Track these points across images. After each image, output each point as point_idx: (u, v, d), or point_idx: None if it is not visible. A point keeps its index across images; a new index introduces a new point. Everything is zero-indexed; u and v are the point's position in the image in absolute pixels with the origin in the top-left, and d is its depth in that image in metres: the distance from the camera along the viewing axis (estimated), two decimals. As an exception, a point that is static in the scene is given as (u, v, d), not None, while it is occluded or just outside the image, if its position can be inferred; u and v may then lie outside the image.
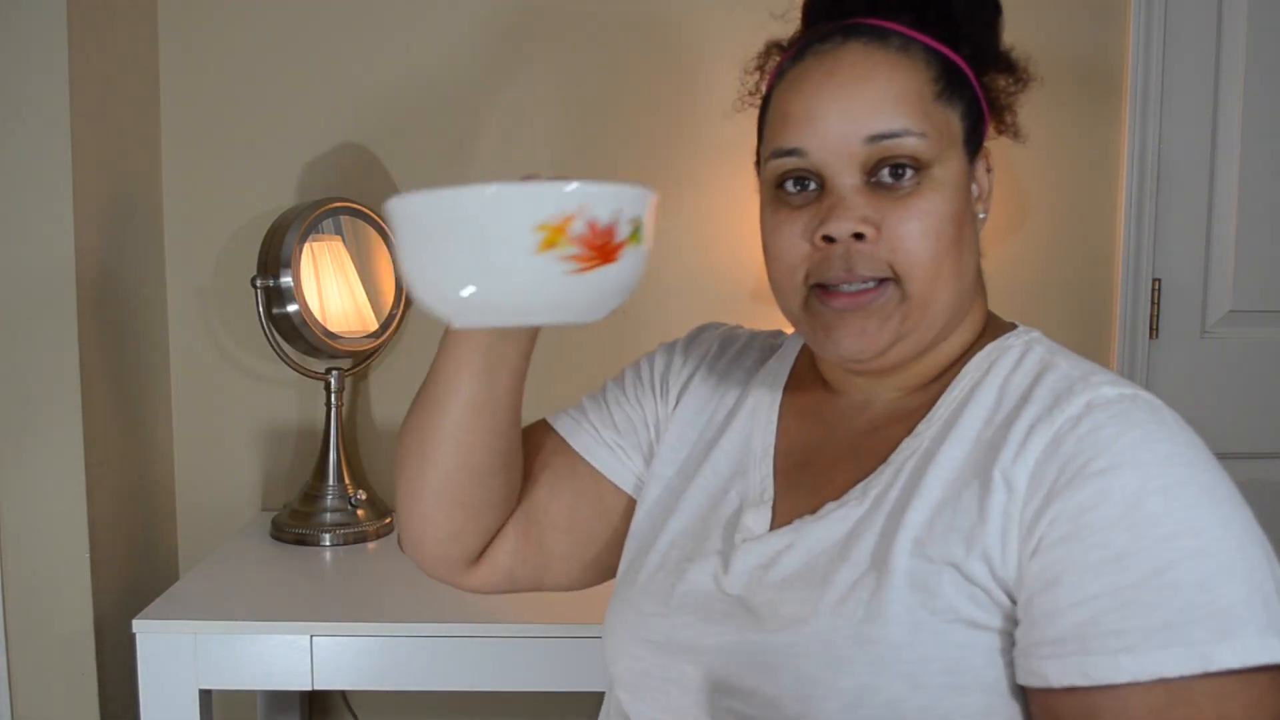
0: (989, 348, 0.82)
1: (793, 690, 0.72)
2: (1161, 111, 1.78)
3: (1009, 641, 0.71)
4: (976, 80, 0.81)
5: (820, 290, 0.78)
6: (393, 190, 1.79)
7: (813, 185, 0.77)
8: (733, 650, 0.77)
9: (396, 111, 1.78)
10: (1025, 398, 0.75)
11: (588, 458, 0.95)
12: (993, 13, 0.83)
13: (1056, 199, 1.80)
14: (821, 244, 0.77)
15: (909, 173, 0.75)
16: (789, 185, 0.78)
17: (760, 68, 0.87)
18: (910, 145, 0.75)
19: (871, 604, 0.72)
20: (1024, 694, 0.71)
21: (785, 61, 0.82)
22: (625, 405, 0.97)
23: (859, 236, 0.75)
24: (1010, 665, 0.71)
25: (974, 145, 0.81)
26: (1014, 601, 0.71)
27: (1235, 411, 1.84)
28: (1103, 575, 0.66)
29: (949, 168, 0.77)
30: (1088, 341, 1.82)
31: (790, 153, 0.77)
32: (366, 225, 1.71)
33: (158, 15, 1.76)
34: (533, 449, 0.96)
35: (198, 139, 1.78)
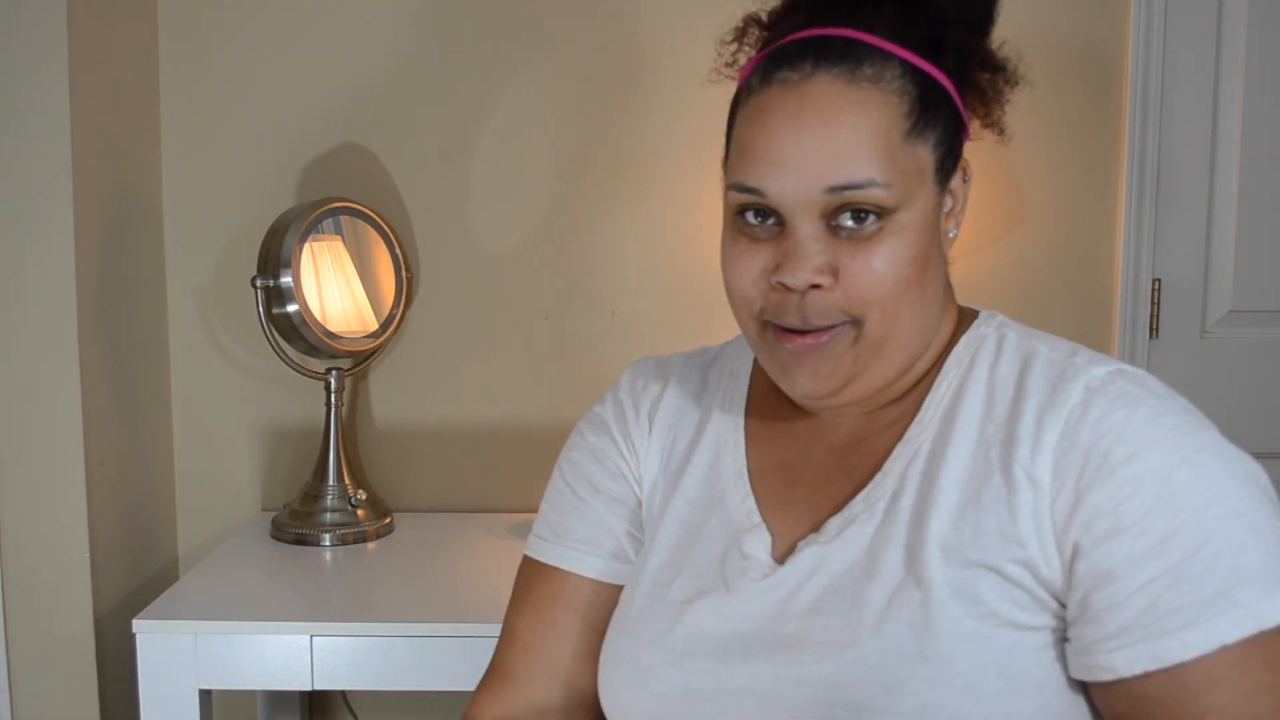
0: (964, 341, 0.81)
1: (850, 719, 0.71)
2: (1161, 111, 1.78)
3: (1055, 638, 0.71)
4: (958, 91, 0.78)
5: (775, 327, 0.77)
6: (393, 190, 1.79)
7: (772, 220, 0.75)
8: (772, 689, 0.74)
9: (397, 111, 1.78)
10: (1020, 390, 0.75)
11: (587, 574, 0.88)
12: (984, 20, 0.80)
13: (1056, 199, 1.80)
14: (778, 287, 0.75)
15: (870, 219, 0.73)
16: (749, 216, 0.76)
17: (739, 39, 0.83)
18: (873, 195, 0.72)
19: (917, 621, 0.71)
20: (1084, 688, 0.72)
21: (752, 74, 0.78)
22: (605, 488, 0.90)
23: (816, 286, 0.74)
24: (1057, 661, 0.71)
25: (949, 166, 0.78)
26: (1059, 601, 0.71)
27: (1235, 411, 1.84)
28: (1154, 560, 0.67)
29: (914, 208, 0.74)
30: (1088, 341, 1.78)
31: (750, 190, 0.75)
32: (366, 225, 1.71)
33: (158, 15, 1.76)
34: (542, 636, 0.88)
35: (198, 139, 1.78)
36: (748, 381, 0.90)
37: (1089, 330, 1.82)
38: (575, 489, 0.91)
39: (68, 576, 1.49)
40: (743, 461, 0.85)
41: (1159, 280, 1.82)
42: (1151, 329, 1.82)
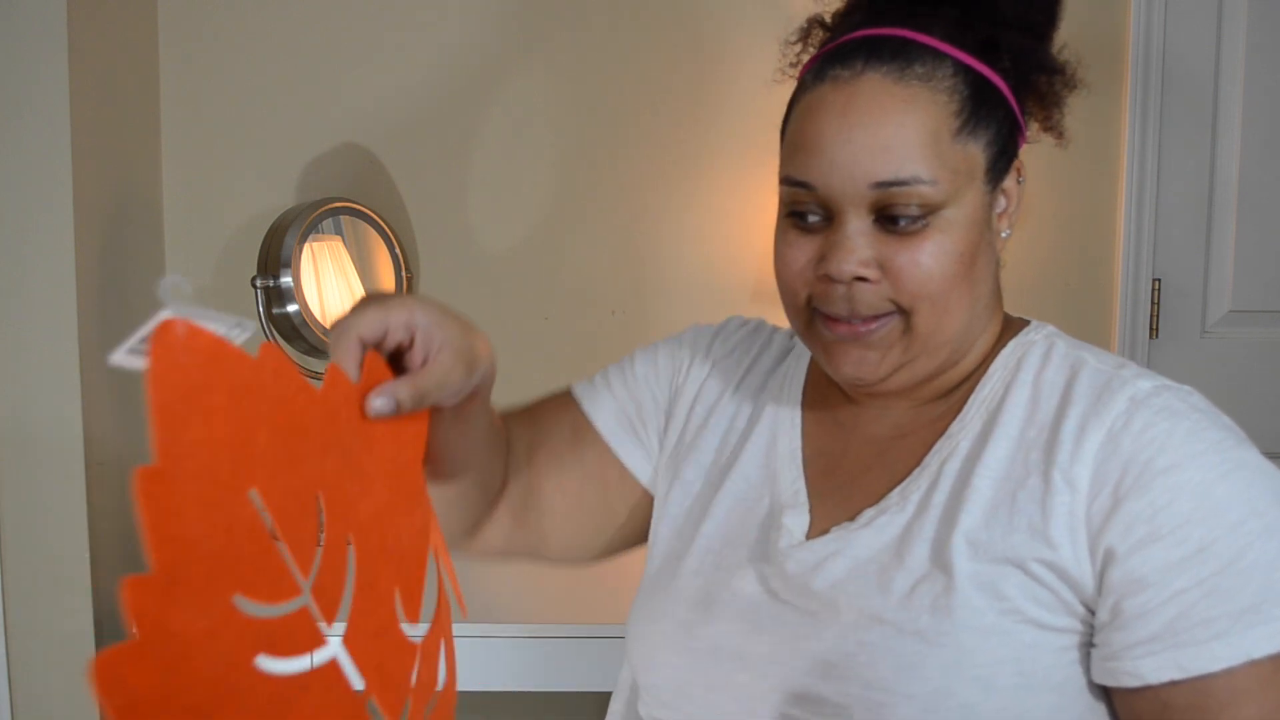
0: (1012, 345, 0.82)
1: (862, 697, 0.72)
2: (1162, 111, 1.78)
3: (1078, 641, 0.72)
4: (1013, 93, 0.78)
5: (823, 314, 0.78)
6: (393, 190, 1.79)
7: (820, 217, 0.77)
8: (791, 658, 0.76)
9: (396, 111, 1.78)
10: (1066, 397, 0.76)
11: (610, 441, 0.93)
12: (1045, 24, 0.81)
13: (1056, 199, 1.80)
14: (823, 278, 0.76)
15: (917, 215, 0.74)
16: (798, 210, 0.78)
17: (803, 40, 0.84)
18: (920, 192, 0.73)
19: (939, 607, 0.72)
20: (1105, 695, 0.72)
21: (808, 72, 0.80)
22: (654, 384, 0.95)
23: (861, 279, 0.75)
24: (1078, 664, 0.72)
25: (1002, 166, 0.78)
26: (1086, 605, 0.72)
27: (1235, 411, 1.81)
28: (1187, 569, 0.68)
29: (963, 205, 0.75)
30: (1088, 341, 1.81)
31: (799, 184, 0.76)
32: (366, 225, 1.72)
33: (158, 15, 1.76)
34: (549, 423, 0.94)
35: (198, 139, 1.78)
36: (806, 366, 0.92)
37: (1089, 330, 1.82)
38: (635, 363, 0.96)
39: (68, 576, 1.49)
40: (798, 444, 0.87)
41: (1159, 280, 1.82)
42: (1151, 329, 1.82)
